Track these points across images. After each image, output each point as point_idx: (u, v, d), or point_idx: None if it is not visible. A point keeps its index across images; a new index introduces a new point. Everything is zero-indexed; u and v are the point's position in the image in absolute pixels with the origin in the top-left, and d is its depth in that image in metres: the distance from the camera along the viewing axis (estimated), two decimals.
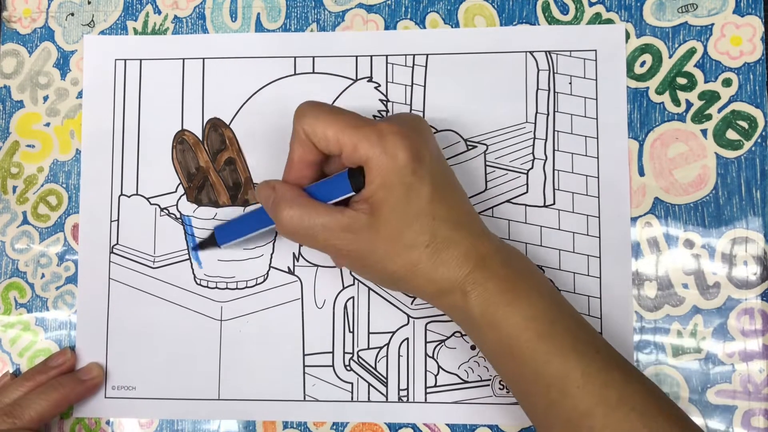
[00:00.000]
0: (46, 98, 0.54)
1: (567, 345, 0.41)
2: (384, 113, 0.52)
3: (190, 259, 0.52)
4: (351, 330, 0.51)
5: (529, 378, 0.41)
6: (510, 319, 0.41)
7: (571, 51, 0.51)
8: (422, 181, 0.41)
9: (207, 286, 0.52)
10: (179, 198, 0.52)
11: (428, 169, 0.42)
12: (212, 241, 0.51)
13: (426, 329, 0.51)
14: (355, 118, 0.42)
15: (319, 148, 0.43)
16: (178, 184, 0.52)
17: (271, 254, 0.52)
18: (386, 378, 0.50)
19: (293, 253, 0.51)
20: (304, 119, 0.43)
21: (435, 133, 0.51)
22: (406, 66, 0.52)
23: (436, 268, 0.41)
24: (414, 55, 0.52)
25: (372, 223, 0.41)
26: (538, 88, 0.51)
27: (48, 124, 0.54)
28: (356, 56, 0.52)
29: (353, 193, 0.43)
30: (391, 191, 0.41)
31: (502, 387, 0.50)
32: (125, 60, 0.53)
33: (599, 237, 0.50)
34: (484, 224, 0.44)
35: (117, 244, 0.52)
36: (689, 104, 0.51)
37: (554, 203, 0.51)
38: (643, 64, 0.51)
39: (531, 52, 0.51)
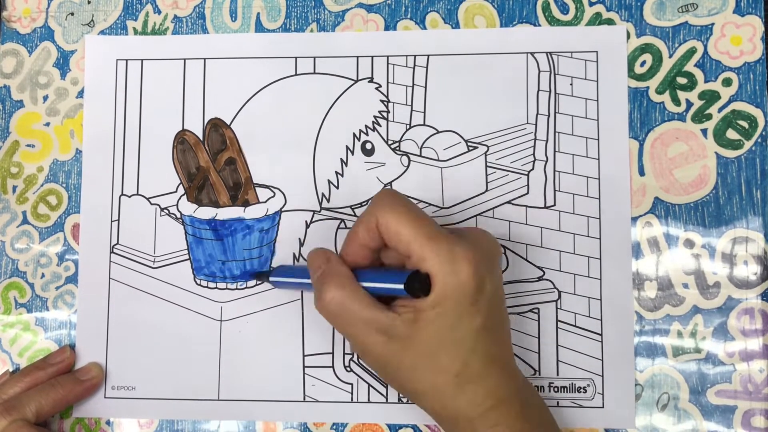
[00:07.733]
0: (45, 98, 0.54)
1: None
2: (385, 114, 0.52)
3: (190, 259, 0.52)
4: None
5: None
6: None
7: (572, 52, 0.51)
8: (476, 314, 0.40)
9: (208, 287, 0.52)
10: (179, 198, 0.52)
11: (486, 301, 0.41)
12: (266, 275, 0.50)
13: None
14: (431, 228, 0.41)
15: (385, 241, 0.43)
16: (179, 184, 0.52)
17: (272, 255, 0.51)
18: None
19: (293, 254, 0.51)
20: (383, 211, 0.42)
21: (435, 134, 0.51)
22: (407, 67, 0.52)
23: (455, 396, 0.41)
24: (415, 55, 0.52)
25: (410, 335, 0.41)
26: (539, 90, 0.51)
27: (48, 124, 0.53)
28: (357, 57, 0.52)
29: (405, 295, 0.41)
30: (443, 314, 0.40)
31: None
32: (126, 60, 0.53)
33: (600, 238, 0.50)
34: (513, 357, 0.44)
35: (117, 243, 0.52)
36: (689, 104, 0.51)
37: (555, 204, 0.51)
38: (643, 63, 0.51)
39: (532, 53, 0.51)
